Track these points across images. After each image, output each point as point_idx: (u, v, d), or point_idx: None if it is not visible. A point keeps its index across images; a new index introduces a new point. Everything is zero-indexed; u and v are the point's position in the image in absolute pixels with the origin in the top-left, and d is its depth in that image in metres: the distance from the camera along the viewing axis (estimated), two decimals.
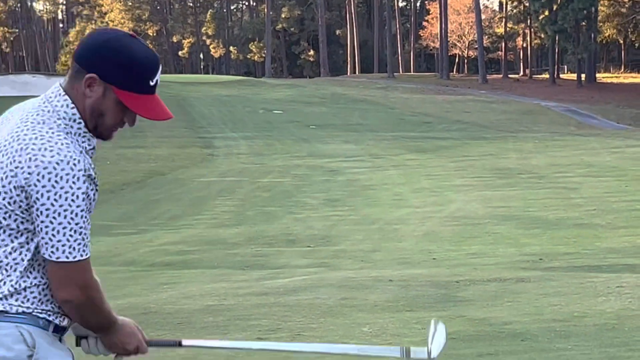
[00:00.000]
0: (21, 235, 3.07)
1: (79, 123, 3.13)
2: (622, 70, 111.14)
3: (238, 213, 24.54)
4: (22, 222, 3.05)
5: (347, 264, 15.90)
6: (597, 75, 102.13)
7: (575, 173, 30.48)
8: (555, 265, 14.49)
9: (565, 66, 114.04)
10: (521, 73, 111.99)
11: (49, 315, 3.14)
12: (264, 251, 17.88)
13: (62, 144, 3.02)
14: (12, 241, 3.08)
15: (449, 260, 15.86)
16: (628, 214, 20.92)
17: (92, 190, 3.07)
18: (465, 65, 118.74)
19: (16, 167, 3.01)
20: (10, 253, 3.08)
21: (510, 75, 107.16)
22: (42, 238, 3.03)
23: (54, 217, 2.99)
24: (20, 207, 3.03)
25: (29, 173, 2.98)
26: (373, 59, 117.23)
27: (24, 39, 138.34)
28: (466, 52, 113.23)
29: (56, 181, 2.97)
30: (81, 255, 3.05)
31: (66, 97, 3.13)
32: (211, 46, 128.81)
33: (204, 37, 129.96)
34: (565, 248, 16.80)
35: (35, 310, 3.12)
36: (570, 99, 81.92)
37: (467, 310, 9.80)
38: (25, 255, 3.09)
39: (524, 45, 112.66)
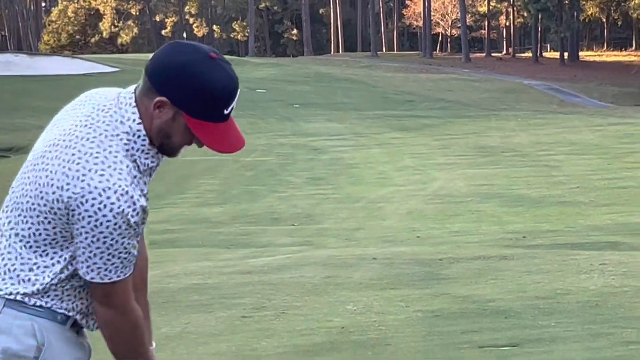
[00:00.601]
0: (56, 242, 3.00)
1: (143, 140, 2.99)
2: (605, 48, 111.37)
3: (222, 192, 24.53)
4: (60, 231, 2.98)
5: (331, 242, 15.93)
6: (580, 53, 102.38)
7: (557, 151, 30.58)
8: (538, 243, 14.56)
9: (548, 45, 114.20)
10: (504, 52, 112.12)
11: (68, 311, 3.07)
12: (248, 230, 17.89)
13: (114, 169, 2.91)
14: (45, 245, 3.01)
15: (433, 238, 15.91)
16: (610, 191, 21.02)
17: (140, 219, 2.96)
18: (449, 44, 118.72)
19: (64, 181, 2.92)
20: (41, 255, 3.02)
21: (493, 54, 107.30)
22: (80, 256, 2.97)
23: (92, 241, 2.91)
24: (60, 218, 2.94)
25: (74, 192, 2.89)
26: (356, 37, 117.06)
27: (6, 18, 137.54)
28: (449, 30, 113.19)
29: (99, 208, 2.87)
30: (117, 277, 2.98)
31: (135, 110, 2.99)
32: (194, 25, 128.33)
33: (187, 16, 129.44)
34: (548, 226, 16.87)
35: (55, 306, 3.05)
36: (553, 77, 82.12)
37: (450, 287, 9.83)
38: (58, 261, 3.02)
39: (507, 23, 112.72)
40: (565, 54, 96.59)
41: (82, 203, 2.88)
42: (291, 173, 27.96)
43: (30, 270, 3.04)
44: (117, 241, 2.92)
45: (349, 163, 30.00)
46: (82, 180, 2.89)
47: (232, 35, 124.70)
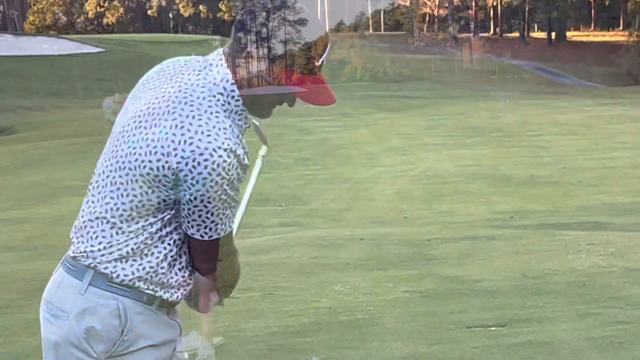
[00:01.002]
0: (157, 210, 2.99)
1: (237, 100, 2.98)
2: (592, 28, 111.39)
3: None
4: (163, 200, 2.97)
5: (319, 222, 15.90)
6: (568, 33, 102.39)
7: (545, 131, 30.58)
8: (526, 223, 14.56)
9: (536, 24, 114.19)
10: (492, 32, 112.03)
11: (156, 291, 3.05)
12: None
13: (219, 129, 2.90)
14: (147, 214, 3.00)
15: (420, 218, 15.89)
16: (598, 172, 21.03)
17: (243, 175, 2.99)
18: (436, 24, 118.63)
19: (169, 147, 2.89)
20: (143, 225, 3.01)
21: (481, 34, 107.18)
22: (194, 220, 2.98)
23: (209, 202, 2.92)
24: (165, 185, 2.93)
25: (182, 157, 2.87)
26: (343, 17, 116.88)
27: None
28: (436, 10, 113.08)
29: (213, 169, 2.87)
30: (229, 227, 3.06)
31: (227, 70, 2.99)
32: (180, 5, 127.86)
33: None
34: (536, 206, 16.87)
35: (142, 287, 3.02)
36: (541, 57, 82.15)
37: (438, 268, 9.83)
38: (154, 225, 3.01)
39: (494, 3, 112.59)
40: (553, 34, 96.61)
41: (194, 167, 2.87)
42: (278, 154, 27.88)
43: (127, 240, 3.01)
44: (230, 196, 2.95)
45: (337, 144, 29.94)
46: (190, 144, 2.87)
47: (218, 15, 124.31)
